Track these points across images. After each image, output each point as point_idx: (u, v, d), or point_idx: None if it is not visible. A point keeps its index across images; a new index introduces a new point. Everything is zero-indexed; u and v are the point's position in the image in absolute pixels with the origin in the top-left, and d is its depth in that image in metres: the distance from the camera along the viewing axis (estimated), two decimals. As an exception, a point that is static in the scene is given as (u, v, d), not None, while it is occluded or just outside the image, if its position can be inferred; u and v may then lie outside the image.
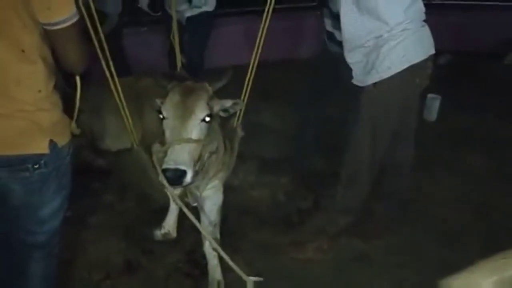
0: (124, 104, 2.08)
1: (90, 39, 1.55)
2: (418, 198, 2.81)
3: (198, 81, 2.21)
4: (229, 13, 4.58)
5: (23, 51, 1.31)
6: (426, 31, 2.03)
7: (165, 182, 1.71)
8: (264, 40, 2.02)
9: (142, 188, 2.77)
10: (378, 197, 2.45)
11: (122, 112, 2.09)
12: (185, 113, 1.75)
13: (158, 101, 1.85)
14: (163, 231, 2.58)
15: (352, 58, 2.03)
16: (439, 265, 2.36)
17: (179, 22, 3.22)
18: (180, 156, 1.68)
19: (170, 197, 2.33)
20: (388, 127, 2.07)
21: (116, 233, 2.60)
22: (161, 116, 1.79)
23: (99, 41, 1.83)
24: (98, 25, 1.82)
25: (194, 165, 1.75)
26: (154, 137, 2.04)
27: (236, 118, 2.27)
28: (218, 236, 2.24)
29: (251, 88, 2.15)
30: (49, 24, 1.30)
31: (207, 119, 1.78)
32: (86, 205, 2.73)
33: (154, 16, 3.48)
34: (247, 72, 2.12)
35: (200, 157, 1.82)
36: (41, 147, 1.41)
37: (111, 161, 2.86)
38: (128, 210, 2.80)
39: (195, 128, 1.75)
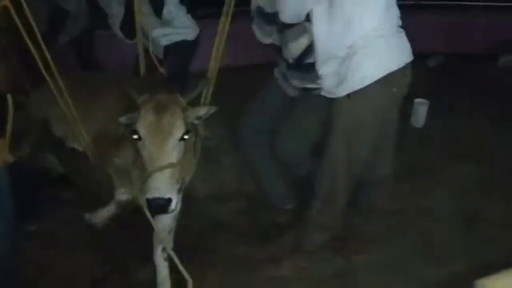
0: (71, 104, 1.99)
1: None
2: (402, 209, 2.68)
3: (172, 89, 2.12)
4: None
5: None
6: (402, 37, 1.90)
7: (148, 213, 1.67)
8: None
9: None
10: (357, 211, 2.32)
11: (69, 114, 2.01)
12: (162, 136, 1.66)
13: (127, 117, 1.75)
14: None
15: (325, 69, 1.89)
16: (424, 283, 2.25)
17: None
18: (163, 184, 1.62)
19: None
20: (364, 140, 1.94)
21: (83, 247, 2.48)
22: (135, 137, 1.69)
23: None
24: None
25: (177, 188, 1.70)
26: (110, 143, 1.97)
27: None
28: (172, 244, 2.11)
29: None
30: None
31: (185, 136, 1.70)
32: (52, 218, 2.61)
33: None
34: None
35: (181, 176, 1.76)
36: None
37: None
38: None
39: (174, 151, 1.67)
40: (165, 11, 2.80)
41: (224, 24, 2.01)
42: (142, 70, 2.69)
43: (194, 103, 2.11)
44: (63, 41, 3.34)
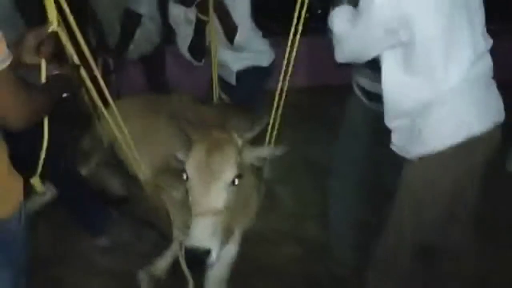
0: (125, 131, 1.90)
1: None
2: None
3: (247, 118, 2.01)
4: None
5: None
6: (493, 91, 1.60)
7: (184, 263, 1.59)
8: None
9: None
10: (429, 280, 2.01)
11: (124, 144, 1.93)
12: (210, 178, 1.54)
13: (180, 154, 1.67)
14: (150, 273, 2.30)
15: (395, 124, 1.64)
16: None
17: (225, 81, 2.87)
18: (204, 232, 1.49)
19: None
20: (434, 208, 1.64)
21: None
22: (184, 176, 1.59)
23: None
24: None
25: (221, 238, 1.56)
26: (171, 174, 1.86)
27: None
28: None
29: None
30: None
31: (236, 181, 1.57)
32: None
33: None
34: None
35: (229, 225, 1.63)
36: None
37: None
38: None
39: (222, 196, 1.54)
40: (238, 37, 2.60)
41: (293, 43, 1.85)
42: (216, 95, 2.63)
43: (259, 137, 2.00)
44: (134, 57, 3.32)
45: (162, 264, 2.30)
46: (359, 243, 2.36)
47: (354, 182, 2.24)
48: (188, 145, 1.67)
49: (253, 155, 1.69)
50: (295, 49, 1.88)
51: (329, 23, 1.65)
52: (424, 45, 1.46)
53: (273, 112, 1.92)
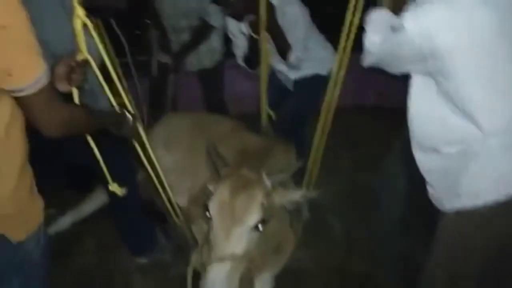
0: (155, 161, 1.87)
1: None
2: None
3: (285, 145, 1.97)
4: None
5: None
6: None
7: None
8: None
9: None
10: None
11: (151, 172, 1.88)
12: (231, 222, 1.48)
13: (211, 187, 1.62)
14: None
15: (424, 162, 1.49)
16: None
17: (282, 86, 2.91)
18: (219, 278, 1.43)
19: None
20: (470, 271, 1.48)
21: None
22: (207, 214, 1.55)
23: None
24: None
25: (237, 284, 1.51)
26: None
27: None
28: None
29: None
30: (12, 91, 1.13)
31: (260, 226, 1.50)
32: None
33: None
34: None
35: (249, 270, 1.56)
36: None
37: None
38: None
39: (241, 241, 1.47)
40: (292, 56, 2.59)
41: (341, 59, 1.77)
42: (264, 114, 2.61)
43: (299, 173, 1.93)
44: (193, 69, 3.36)
45: None
46: (403, 279, 2.21)
47: (397, 217, 2.12)
48: (218, 179, 1.64)
49: (283, 198, 1.61)
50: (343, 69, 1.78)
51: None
52: (456, 83, 1.31)
53: (311, 156, 1.84)
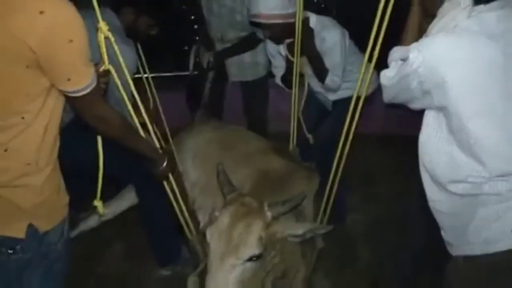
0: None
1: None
2: None
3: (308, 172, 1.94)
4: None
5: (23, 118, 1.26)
6: None
7: None
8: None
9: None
10: None
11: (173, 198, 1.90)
12: (226, 250, 1.46)
13: (218, 211, 1.61)
14: None
15: (435, 201, 1.41)
16: None
17: (322, 106, 2.88)
18: None
19: None
20: None
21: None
22: (206, 238, 1.55)
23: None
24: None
25: None
26: None
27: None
28: None
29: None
30: (67, 92, 1.29)
31: (254, 259, 1.47)
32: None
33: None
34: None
35: None
36: (16, 231, 1.31)
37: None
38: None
39: (234, 271, 1.45)
40: (328, 80, 2.58)
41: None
42: (294, 139, 2.58)
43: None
44: (235, 79, 3.34)
45: None
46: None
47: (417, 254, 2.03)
48: (222, 205, 1.63)
49: (285, 230, 1.56)
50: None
51: None
52: (460, 119, 1.24)
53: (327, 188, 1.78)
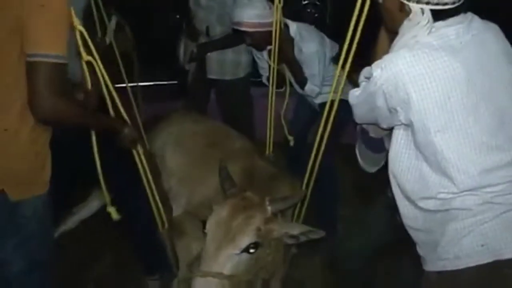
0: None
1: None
2: None
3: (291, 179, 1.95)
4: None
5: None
6: None
7: None
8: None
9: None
10: None
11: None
12: (224, 239, 1.48)
13: (215, 204, 1.63)
14: None
15: (408, 217, 1.40)
16: None
17: (312, 106, 2.88)
18: None
19: None
20: None
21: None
22: (204, 230, 1.57)
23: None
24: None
25: None
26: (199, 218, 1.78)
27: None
28: None
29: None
30: (33, 55, 1.29)
31: (251, 250, 1.49)
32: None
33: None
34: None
35: None
36: None
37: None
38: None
39: (230, 261, 1.47)
40: (307, 88, 2.63)
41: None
42: (270, 143, 2.55)
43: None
44: (212, 77, 3.27)
45: None
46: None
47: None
48: (223, 199, 1.65)
49: (282, 229, 1.59)
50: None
51: None
52: (426, 136, 1.25)
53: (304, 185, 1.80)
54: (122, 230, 2.62)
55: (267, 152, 2.48)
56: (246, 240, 1.47)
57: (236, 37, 3.05)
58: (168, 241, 2.13)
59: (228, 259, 1.46)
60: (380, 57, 1.36)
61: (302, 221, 2.00)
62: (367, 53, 1.55)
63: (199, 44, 3.17)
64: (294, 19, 2.78)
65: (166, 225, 2.10)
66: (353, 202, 3.22)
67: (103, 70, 1.62)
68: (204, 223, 1.57)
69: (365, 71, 1.38)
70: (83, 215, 2.57)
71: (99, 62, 1.59)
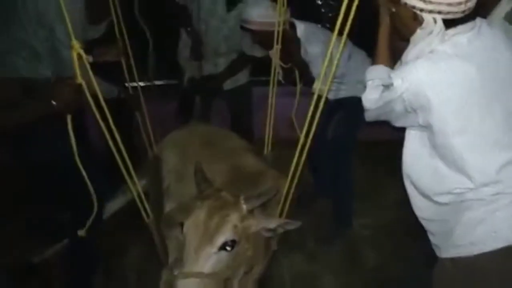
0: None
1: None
2: None
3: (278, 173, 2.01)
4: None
5: None
6: None
7: None
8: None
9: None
10: None
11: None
12: (201, 239, 1.51)
13: (192, 206, 1.65)
14: None
15: (421, 210, 1.51)
16: None
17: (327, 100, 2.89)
18: None
19: None
20: None
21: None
22: (182, 230, 1.59)
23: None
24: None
25: None
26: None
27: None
28: None
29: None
30: None
31: (228, 248, 1.52)
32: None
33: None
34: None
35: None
36: None
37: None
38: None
39: (209, 260, 1.49)
40: (314, 86, 2.46)
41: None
42: (269, 139, 2.49)
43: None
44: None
45: None
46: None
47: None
48: (199, 200, 1.66)
49: (259, 224, 1.62)
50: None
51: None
52: (444, 136, 1.35)
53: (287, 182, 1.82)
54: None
55: (265, 151, 2.50)
56: (222, 238, 1.50)
57: (239, 61, 3.13)
58: (156, 234, 2.16)
59: (207, 258, 1.48)
60: (382, 60, 1.46)
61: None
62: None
63: (209, 77, 3.19)
64: (307, 19, 2.81)
65: (151, 216, 2.12)
66: (367, 197, 3.27)
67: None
68: (181, 226, 1.60)
69: (377, 73, 1.47)
70: (113, 208, 2.60)
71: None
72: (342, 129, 2.86)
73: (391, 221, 3.04)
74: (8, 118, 1.52)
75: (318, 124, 2.58)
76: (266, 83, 2.69)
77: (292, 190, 1.78)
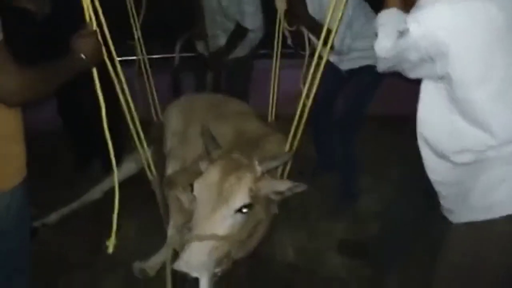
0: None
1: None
2: None
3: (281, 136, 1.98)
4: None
5: None
6: None
7: (169, 271, 1.47)
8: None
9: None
10: None
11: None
12: (217, 201, 1.47)
13: (203, 166, 1.62)
14: (142, 266, 2.11)
15: (435, 172, 1.41)
16: None
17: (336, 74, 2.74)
18: (196, 258, 1.40)
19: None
20: (479, 283, 1.37)
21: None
22: (193, 193, 1.55)
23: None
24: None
25: (216, 265, 1.49)
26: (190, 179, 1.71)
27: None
28: None
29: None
30: None
31: (244, 210, 1.49)
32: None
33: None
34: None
35: (227, 253, 1.54)
36: None
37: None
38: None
39: (224, 222, 1.46)
40: (337, 43, 2.36)
41: None
42: (272, 110, 2.54)
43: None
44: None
45: (154, 262, 2.12)
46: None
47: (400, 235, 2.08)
48: (209, 161, 1.63)
49: (270, 187, 1.59)
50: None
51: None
52: (464, 88, 1.24)
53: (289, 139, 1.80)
54: (144, 199, 2.65)
55: (269, 119, 2.47)
56: (239, 201, 1.48)
57: (237, 34, 2.98)
58: (159, 194, 2.12)
59: (222, 220, 1.46)
60: (394, 2, 1.35)
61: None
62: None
63: (210, 57, 3.12)
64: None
65: (155, 173, 2.10)
66: (372, 171, 3.20)
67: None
68: (191, 186, 1.56)
69: (389, 17, 1.35)
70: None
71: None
72: (353, 101, 2.74)
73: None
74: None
75: (325, 92, 2.52)
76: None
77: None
